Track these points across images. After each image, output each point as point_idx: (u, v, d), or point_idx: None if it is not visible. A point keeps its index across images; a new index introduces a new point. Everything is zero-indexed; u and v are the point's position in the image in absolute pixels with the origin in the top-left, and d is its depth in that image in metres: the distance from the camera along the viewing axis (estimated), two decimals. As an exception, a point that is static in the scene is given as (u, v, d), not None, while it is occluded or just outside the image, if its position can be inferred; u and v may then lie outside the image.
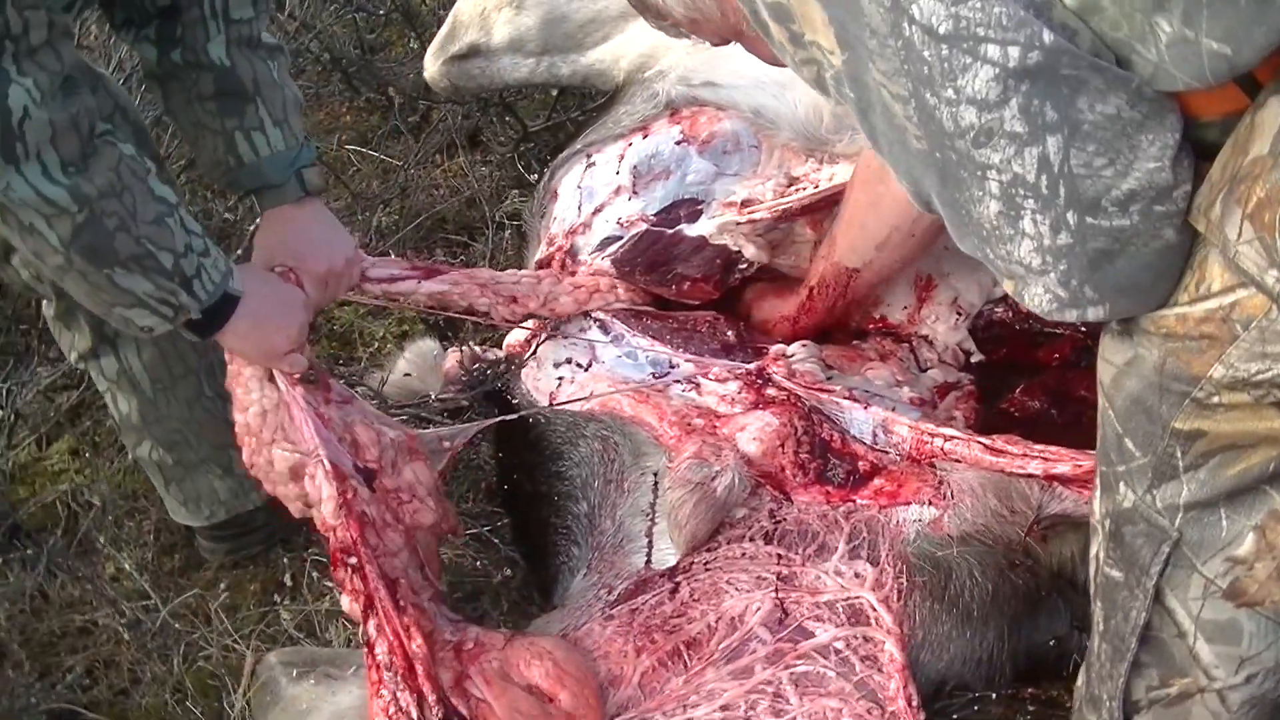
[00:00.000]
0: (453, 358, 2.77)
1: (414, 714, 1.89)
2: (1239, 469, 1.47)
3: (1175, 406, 1.47)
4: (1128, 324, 1.49)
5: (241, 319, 1.96)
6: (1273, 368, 1.36)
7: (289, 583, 2.25)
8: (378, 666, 1.95)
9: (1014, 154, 1.34)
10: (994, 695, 2.10)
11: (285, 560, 2.21)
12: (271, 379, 2.09)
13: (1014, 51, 1.28)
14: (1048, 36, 1.28)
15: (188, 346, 2.30)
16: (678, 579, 2.14)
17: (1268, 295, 1.31)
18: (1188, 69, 1.27)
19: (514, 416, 2.39)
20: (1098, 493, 1.67)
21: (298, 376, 2.06)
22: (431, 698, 1.90)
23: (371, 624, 1.98)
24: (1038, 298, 1.46)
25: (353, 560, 2.01)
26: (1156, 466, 1.53)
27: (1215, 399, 1.43)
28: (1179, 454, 1.50)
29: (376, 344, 3.16)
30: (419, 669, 1.92)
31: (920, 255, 2.40)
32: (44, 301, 2.37)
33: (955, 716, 2.09)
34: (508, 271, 2.46)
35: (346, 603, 2.02)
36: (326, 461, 2.04)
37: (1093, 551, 1.72)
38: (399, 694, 1.91)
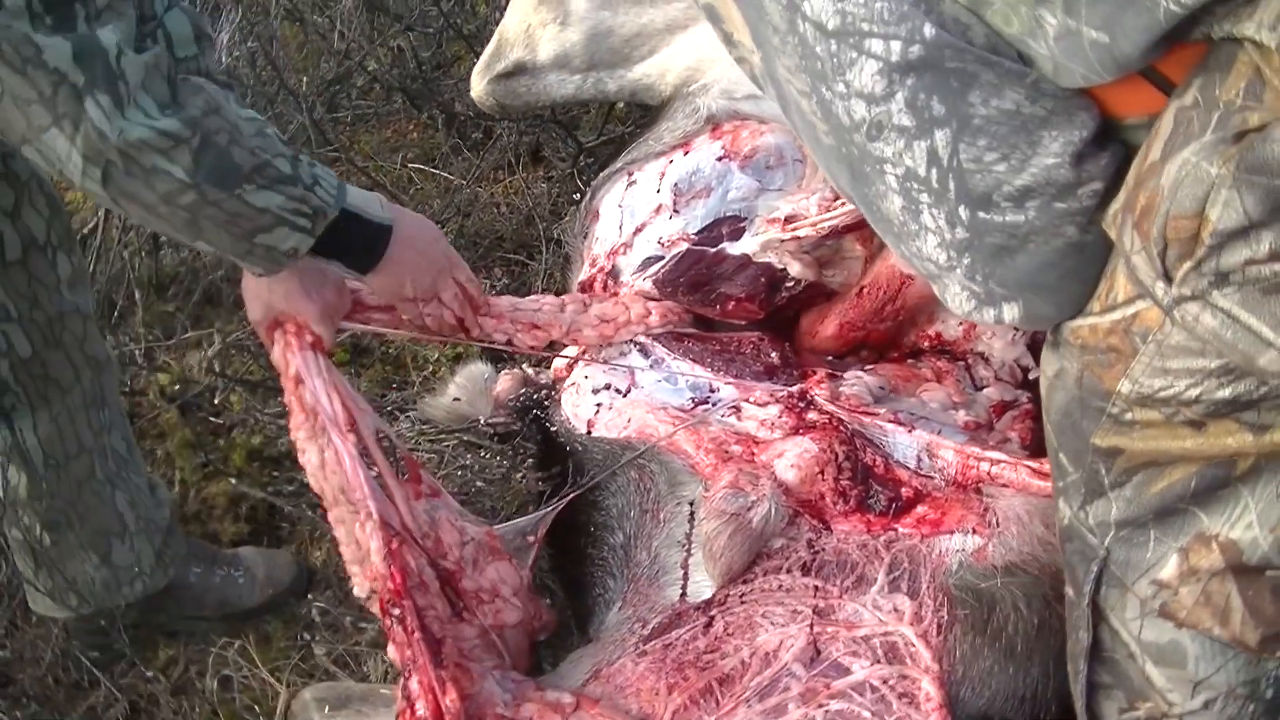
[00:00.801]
0: (505, 381, 2.74)
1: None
2: (1160, 487, 1.42)
3: (1094, 422, 1.43)
4: (1056, 334, 1.46)
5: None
6: (1174, 385, 1.31)
7: (317, 619, 2.21)
8: None
9: (904, 147, 1.33)
10: (1040, 734, 2.01)
11: (309, 596, 2.18)
12: (324, 431, 2.06)
13: (895, 46, 1.28)
14: (929, 31, 1.26)
15: (84, 424, 2.20)
16: (712, 613, 2.08)
17: (1159, 307, 1.27)
18: (1078, 61, 1.23)
19: (582, 489, 2.32)
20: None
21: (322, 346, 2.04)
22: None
23: (414, 681, 1.94)
24: (956, 298, 1.44)
25: (396, 611, 1.98)
26: (1087, 483, 1.49)
27: (1129, 415, 1.38)
28: (1103, 471, 1.45)
29: (430, 367, 3.13)
30: None
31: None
32: None
33: (999, 755, 2.00)
34: (530, 298, 2.40)
35: (392, 651, 1.99)
36: (375, 510, 2.01)
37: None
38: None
